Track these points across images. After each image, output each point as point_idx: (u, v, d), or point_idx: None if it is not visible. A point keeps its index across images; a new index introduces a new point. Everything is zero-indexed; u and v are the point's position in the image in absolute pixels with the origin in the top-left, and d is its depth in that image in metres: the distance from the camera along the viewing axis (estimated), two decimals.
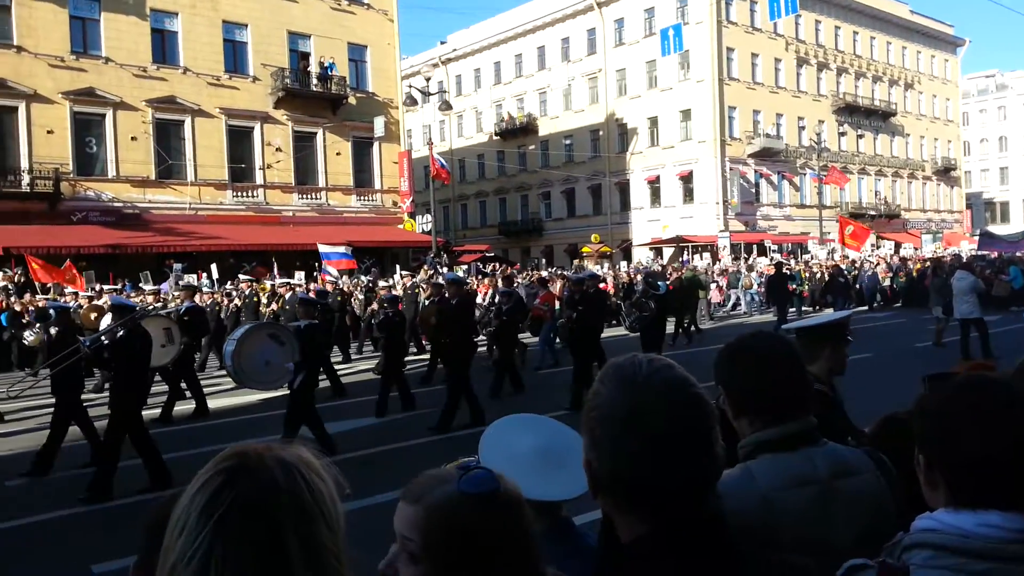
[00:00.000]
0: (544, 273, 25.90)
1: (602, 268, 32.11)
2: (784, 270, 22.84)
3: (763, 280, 26.21)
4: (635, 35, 46.05)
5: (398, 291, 18.64)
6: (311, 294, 13.91)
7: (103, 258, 25.89)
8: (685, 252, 40.72)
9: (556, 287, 19.42)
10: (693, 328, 20.25)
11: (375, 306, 15.30)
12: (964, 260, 23.26)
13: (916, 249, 41.57)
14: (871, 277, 28.30)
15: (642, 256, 41.04)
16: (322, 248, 25.42)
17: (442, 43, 58.25)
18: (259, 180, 32.26)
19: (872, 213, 50.26)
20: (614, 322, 21.49)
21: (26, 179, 26.55)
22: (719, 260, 35.56)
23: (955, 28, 60.17)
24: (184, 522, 0.88)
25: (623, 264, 36.19)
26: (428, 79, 37.54)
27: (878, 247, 43.91)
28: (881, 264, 31.01)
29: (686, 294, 20.22)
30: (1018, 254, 27.65)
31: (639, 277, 20.36)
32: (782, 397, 1.72)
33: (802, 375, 1.78)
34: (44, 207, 26.79)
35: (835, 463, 1.72)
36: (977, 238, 32.29)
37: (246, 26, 31.79)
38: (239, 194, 31.79)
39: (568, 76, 49.92)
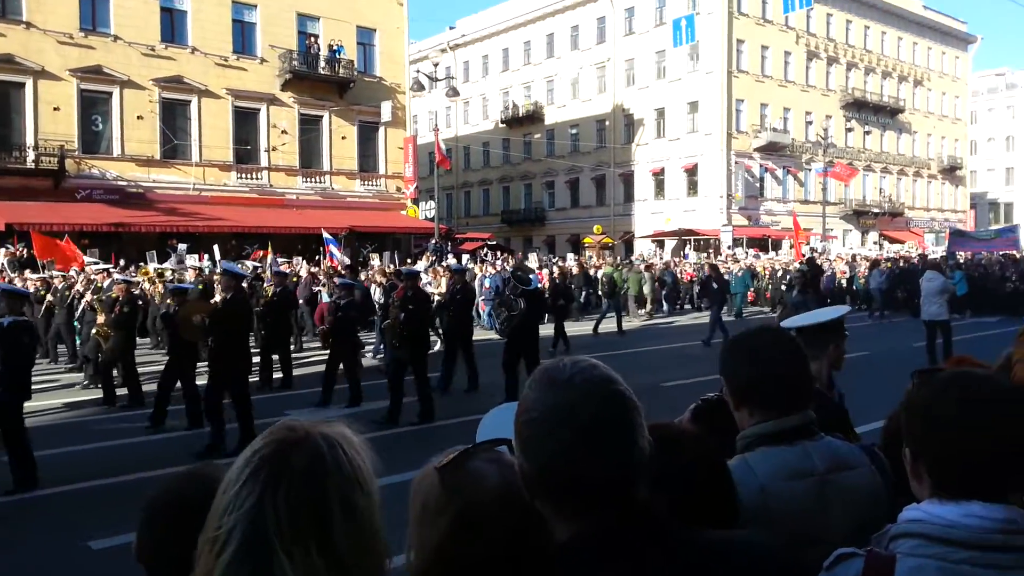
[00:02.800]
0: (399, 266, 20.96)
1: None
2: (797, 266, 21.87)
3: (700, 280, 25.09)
4: (645, 25, 45.81)
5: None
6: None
7: (106, 236, 25.90)
8: (687, 245, 40.75)
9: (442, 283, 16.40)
10: (617, 330, 19.34)
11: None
12: (934, 260, 21.02)
13: (883, 246, 40.94)
14: (828, 278, 26.42)
15: (644, 248, 41.00)
16: (326, 234, 25.42)
17: (451, 28, 58.01)
18: (264, 162, 32.21)
19: (876, 211, 50.14)
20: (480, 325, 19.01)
21: (31, 155, 26.53)
22: (719, 255, 35.50)
23: (967, 25, 59.94)
24: (236, 480, 0.98)
25: (533, 256, 32.41)
26: (436, 64, 37.57)
27: (880, 246, 43.85)
28: (839, 263, 29.84)
29: (566, 293, 18.79)
30: (986, 252, 25.91)
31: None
32: (780, 390, 1.76)
33: (802, 369, 1.81)
34: (49, 184, 26.77)
35: (831, 457, 1.76)
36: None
37: (255, 7, 31.64)
38: (243, 176, 31.75)
39: (577, 65, 49.71)
